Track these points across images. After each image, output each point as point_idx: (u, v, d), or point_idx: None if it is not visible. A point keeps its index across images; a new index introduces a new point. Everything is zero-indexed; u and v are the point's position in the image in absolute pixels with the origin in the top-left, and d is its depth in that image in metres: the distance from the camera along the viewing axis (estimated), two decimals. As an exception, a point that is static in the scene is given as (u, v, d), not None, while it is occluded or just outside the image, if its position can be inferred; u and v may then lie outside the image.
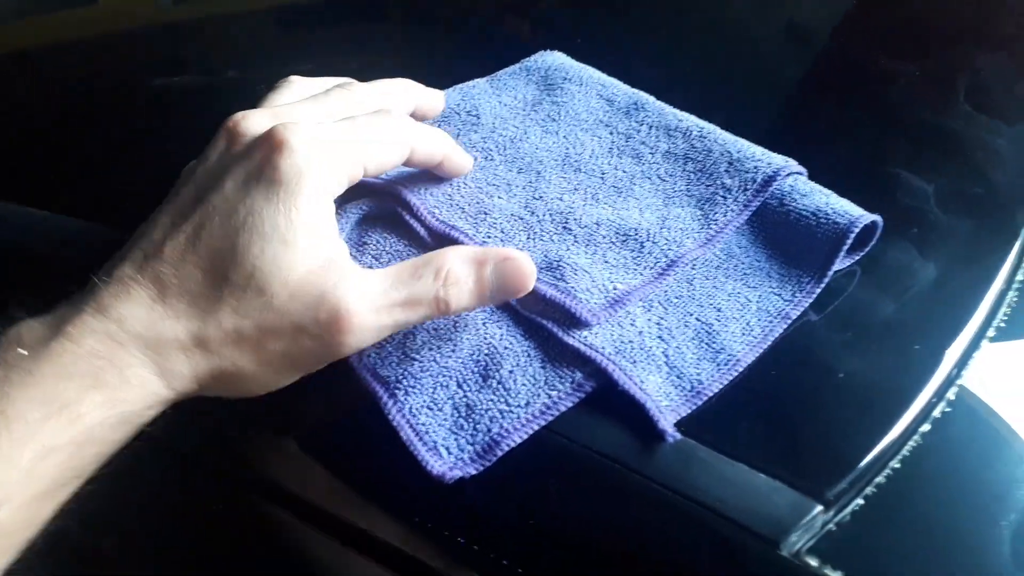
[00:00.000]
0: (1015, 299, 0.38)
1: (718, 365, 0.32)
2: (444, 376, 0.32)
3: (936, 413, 0.32)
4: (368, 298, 0.29)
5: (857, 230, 0.35)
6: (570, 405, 0.31)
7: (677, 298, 0.35)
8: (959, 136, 0.48)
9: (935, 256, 0.39)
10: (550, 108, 0.45)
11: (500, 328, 0.34)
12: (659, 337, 0.33)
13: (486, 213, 0.38)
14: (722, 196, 0.38)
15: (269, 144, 0.29)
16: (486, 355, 0.33)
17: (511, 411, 0.31)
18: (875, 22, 0.65)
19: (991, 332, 0.36)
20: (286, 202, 0.29)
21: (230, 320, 0.28)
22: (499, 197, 0.40)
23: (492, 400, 0.31)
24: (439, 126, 0.45)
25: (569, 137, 0.43)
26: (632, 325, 0.34)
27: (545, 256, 0.36)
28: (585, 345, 0.32)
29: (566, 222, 0.38)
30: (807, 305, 0.35)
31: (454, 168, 0.39)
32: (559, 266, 0.35)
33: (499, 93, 0.47)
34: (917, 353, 0.34)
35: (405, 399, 0.31)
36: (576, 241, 0.37)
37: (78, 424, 0.26)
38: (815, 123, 0.51)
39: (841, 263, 0.36)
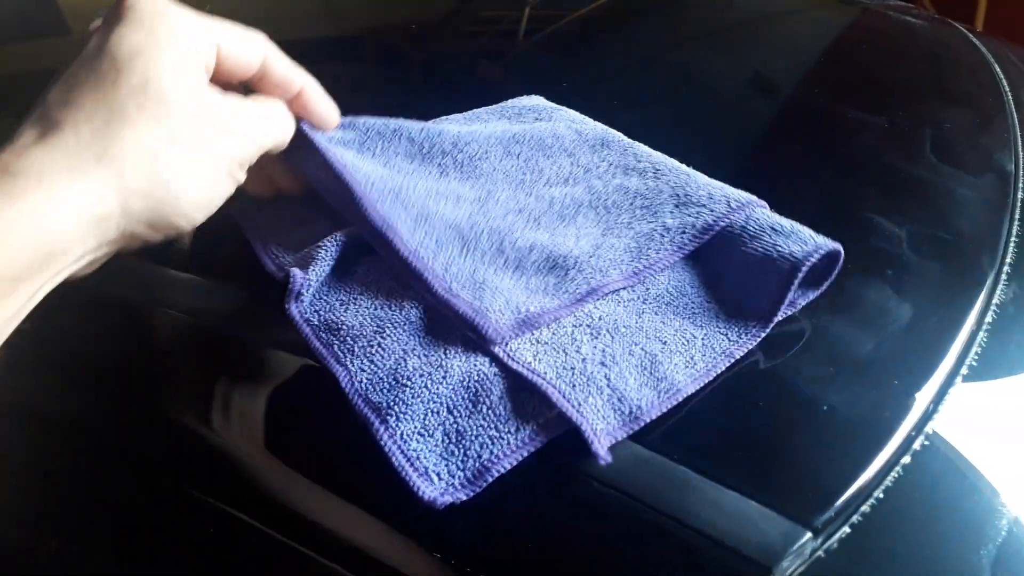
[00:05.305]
0: (985, 340, 0.39)
1: (659, 393, 0.33)
2: (435, 403, 0.32)
3: (916, 446, 0.33)
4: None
5: (801, 275, 0.36)
6: (559, 432, 0.31)
7: (625, 328, 0.36)
8: (927, 185, 0.51)
9: (909, 297, 0.40)
10: (517, 132, 0.46)
11: (489, 355, 0.34)
12: (602, 363, 0.34)
13: (426, 218, 0.38)
14: (660, 234, 0.39)
15: None
16: (476, 381, 0.33)
17: (501, 437, 0.31)
18: (840, 77, 0.68)
19: (964, 371, 0.37)
20: (152, 28, 0.30)
21: (143, 128, 0.29)
22: (445, 206, 0.40)
23: (482, 426, 0.31)
24: (399, 139, 0.43)
25: (529, 162, 0.44)
26: (577, 352, 0.34)
27: (472, 275, 0.36)
28: (528, 370, 0.33)
29: (501, 243, 0.38)
30: (753, 346, 0.35)
31: (316, 105, 0.39)
32: (482, 287, 0.36)
33: (470, 122, 0.48)
34: (896, 388, 0.35)
35: (397, 425, 0.31)
36: (506, 264, 0.37)
37: None
38: (787, 169, 0.53)
39: (807, 295, 0.38)
